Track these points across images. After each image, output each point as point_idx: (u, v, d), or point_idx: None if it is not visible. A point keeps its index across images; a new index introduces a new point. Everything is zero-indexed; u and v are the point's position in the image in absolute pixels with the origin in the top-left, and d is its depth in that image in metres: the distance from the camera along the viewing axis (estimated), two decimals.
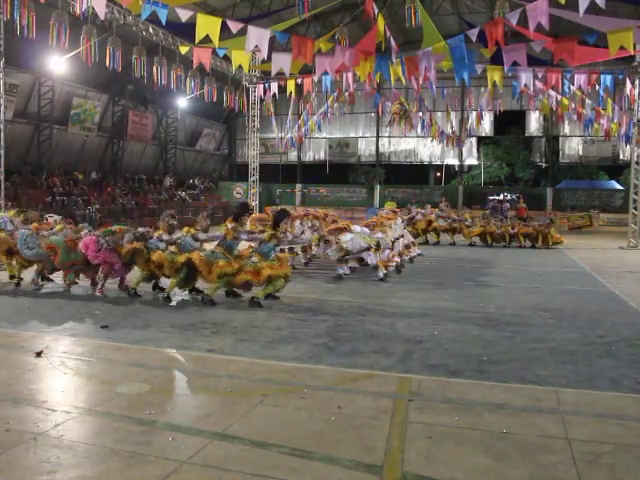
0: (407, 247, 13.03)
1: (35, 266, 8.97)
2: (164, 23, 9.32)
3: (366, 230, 10.43)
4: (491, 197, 17.45)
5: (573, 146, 31.36)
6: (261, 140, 24.43)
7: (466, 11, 23.83)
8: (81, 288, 8.73)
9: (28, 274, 9.01)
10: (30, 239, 8.72)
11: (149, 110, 27.89)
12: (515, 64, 9.92)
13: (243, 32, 9.44)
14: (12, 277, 9.38)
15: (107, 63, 11.68)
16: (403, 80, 10.95)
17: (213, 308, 7.40)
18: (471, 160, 33.70)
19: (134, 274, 8.37)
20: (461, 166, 33.15)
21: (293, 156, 34.25)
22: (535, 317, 7.03)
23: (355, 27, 22.50)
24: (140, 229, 8.62)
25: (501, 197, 17.59)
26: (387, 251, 10.72)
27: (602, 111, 16.47)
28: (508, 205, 20.99)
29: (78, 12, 9.00)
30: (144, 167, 29.15)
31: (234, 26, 9.43)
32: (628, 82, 15.76)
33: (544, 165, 32.87)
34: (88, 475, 2.95)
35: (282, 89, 15.66)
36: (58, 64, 18.32)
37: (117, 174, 25.89)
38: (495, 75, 11.83)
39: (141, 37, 14.25)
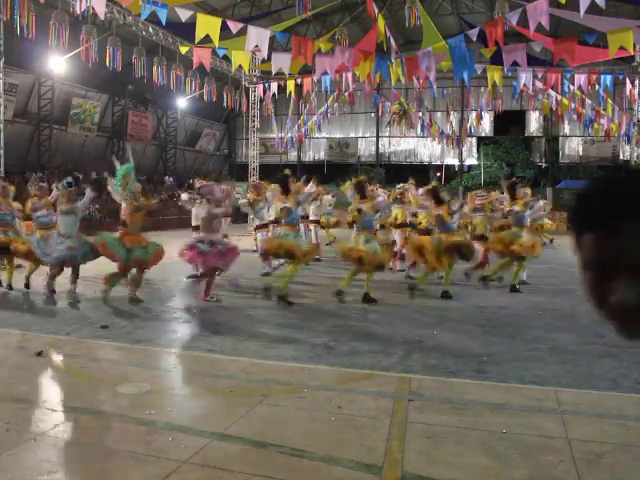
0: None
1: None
2: (164, 23, 9.34)
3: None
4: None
5: (573, 146, 31.36)
6: (261, 140, 24.42)
7: (466, 11, 23.82)
8: (80, 288, 8.70)
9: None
10: (42, 244, 7.85)
11: (149, 110, 27.89)
12: (515, 64, 9.94)
13: (243, 32, 9.47)
14: None
15: (107, 63, 11.71)
16: (403, 80, 10.96)
17: (212, 308, 7.39)
18: (471, 160, 33.69)
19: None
20: (461, 166, 33.15)
21: (293, 156, 34.24)
22: (535, 317, 7.03)
23: (355, 27, 22.49)
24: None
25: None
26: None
27: (602, 111, 16.50)
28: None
29: (78, 12, 9.01)
30: (144, 167, 29.14)
31: (234, 26, 9.46)
32: (628, 82, 15.78)
33: (544, 165, 32.86)
34: (88, 475, 2.94)
35: (282, 89, 15.68)
36: (58, 64, 18.32)
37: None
38: (495, 75, 11.87)
39: (141, 37, 14.27)
